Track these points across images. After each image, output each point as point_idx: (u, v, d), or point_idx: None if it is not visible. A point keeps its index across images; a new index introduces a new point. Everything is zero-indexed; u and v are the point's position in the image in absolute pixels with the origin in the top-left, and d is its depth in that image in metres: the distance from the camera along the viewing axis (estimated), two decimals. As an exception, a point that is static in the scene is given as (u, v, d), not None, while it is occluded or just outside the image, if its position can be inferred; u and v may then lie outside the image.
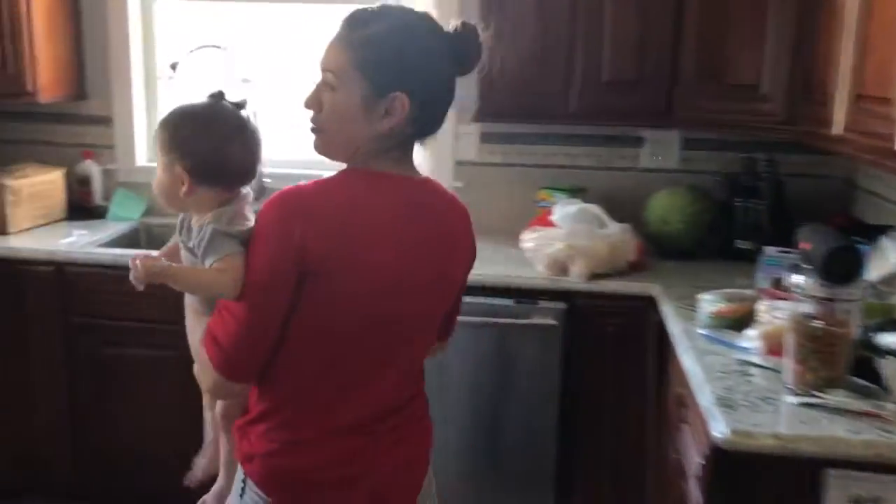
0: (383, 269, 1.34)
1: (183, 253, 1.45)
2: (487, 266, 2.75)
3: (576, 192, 3.04)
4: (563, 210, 2.78)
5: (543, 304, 2.63)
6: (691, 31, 2.76)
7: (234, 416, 1.49)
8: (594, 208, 2.82)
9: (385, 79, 1.31)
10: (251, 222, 1.38)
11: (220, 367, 1.34)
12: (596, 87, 2.84)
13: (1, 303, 2.88)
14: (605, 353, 2.67)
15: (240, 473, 1.45)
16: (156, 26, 3.43)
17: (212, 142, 1.39)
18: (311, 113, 1.38)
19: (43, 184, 3.22)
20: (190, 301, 1.48)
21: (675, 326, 2.25)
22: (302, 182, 1.34)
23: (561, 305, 2.62)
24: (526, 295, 2.66)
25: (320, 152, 1.40)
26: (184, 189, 1.39)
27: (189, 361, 1.45)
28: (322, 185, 1.34)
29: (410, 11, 1.40)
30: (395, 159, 1.39)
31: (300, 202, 1.30)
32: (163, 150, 1.41)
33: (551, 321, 2.60)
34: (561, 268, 2.66)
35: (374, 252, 1.32)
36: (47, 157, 3.43)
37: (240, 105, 1.44)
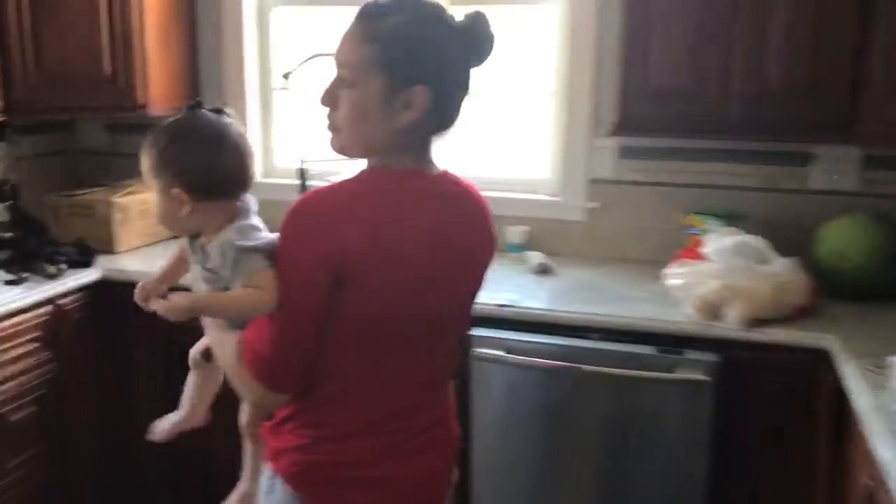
0: (416, 264, 1.32)
1: (201, 274, 1.39)
2: (623, 304, 2.39)
3: (732, 219, 2.60)
4: (719, 242, 2.36)
5: (691, 354, 2.22)
6: (884, 28, 2.26)
7: (261, 422, 1.49)
8: (756, 241, 2.38)
9: (404, 72, 1.29)
10: (265, 231, 1.37)
11: (265, 380, 1.33)
12: (760, 95, 2.40)
13: (107, 326, 2.75)
14: (765, 418, 2.24)
15: (268, 472, 1.44)
16: (272, 34, 3.26)
17: (202, 154, 1.34)
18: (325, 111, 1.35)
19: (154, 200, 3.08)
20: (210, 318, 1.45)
21: (861, 398, 1.80)
22: (321, 185, 1.33)
23: (713, 357, 2.21)
24: (670, 342, 2.26)
25: (337, 151, 1.37)
26: (186, 210, 1.35)
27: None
28: (351, 187, 1.33)
29: (425, 3, 1.34)
30: (415, 155, 1.37)
31: (334, 206, 1.29)
32: (153, 174, 1.36)
33: (700, 376, 2.19)
34: (714, 311, 2.24)
35: (406, 248, 1.31)
36: (161, 171, 3.31)
37: (219, 111, 1.39)
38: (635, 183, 2.89)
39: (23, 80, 2.82)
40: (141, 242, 3.02)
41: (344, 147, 1.36)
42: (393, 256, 1.29)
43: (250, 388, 1.36)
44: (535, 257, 2.78)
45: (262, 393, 1.35)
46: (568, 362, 2.26)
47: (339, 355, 1.34)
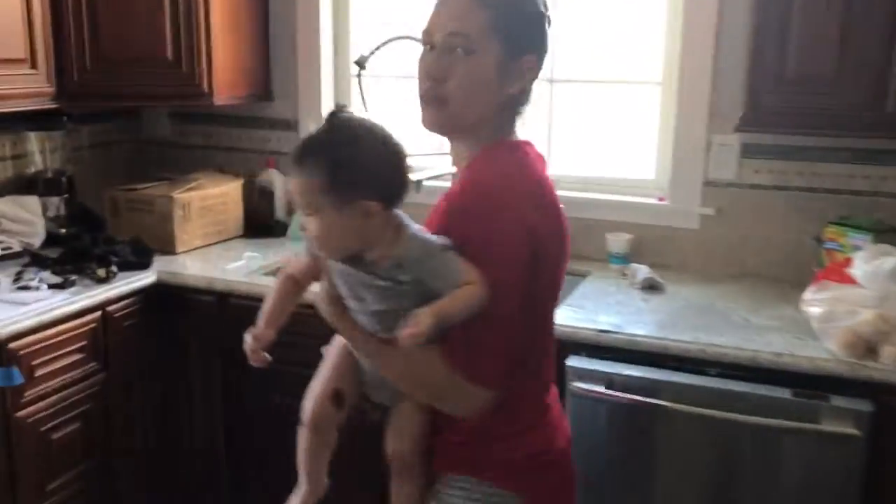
0: (566, 237, 1.36)
1: (375, 294, 1.24)
2: (747, 334, 2.02)
3: (882, 233, 2.17)
4: (871, 263, 1.94)
5: (837, 400, 1.81)
6: None
7: (423, 445, 1.34)
8: (919, 262, 1.95)
9: (518, 40, 1.28)
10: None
11: (490, 379, 1.26)
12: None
13: (162, 335, 2.52)
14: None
15: (453, 490, 1.34)
16: (351, 19, 2.97)
17: (382, 157, 1.22)
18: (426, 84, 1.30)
19: (217, 197, 2.84)
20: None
21: None
22: (486, 172, 1.29)
23: (865, 406, 1.80)
24: (810, 384, 1.85)
25: (438, 126, 1.32)
26: (375, 222, 1.21)
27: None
28: (515, 168, 1.30)
29: None
30: (512, 127, 1.36)
31: (520, 183, 1.28)
32: (325, 192, 1.19)
33: (850, 429, 1.78)
34: (866, 348, 1.84)
35: (561, 222, 1.34)
36: (228, 164, 3.08)
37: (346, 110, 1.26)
38: (759, 186, 2.48)
39: (78, 63, 2.61)
40: (202, 242, 2.78)
41: (453, 119, 1.30)
42: (558, 231, 1.32)
43: (469, 394, 1.25)
44: (641, 271, 2.40)
45: (485, 395, 1.26)
46: (681, 403, 1.88)
47: (523, 340, 1.29)
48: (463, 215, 1.24)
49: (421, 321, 1.15)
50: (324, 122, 1.21)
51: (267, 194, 3.01)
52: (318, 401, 1.35)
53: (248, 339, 1.30)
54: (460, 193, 1.28)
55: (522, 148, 1.35)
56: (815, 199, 2.42)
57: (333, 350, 1.39)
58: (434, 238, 1.23)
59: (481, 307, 1.20)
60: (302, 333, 2.49)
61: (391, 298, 1.23)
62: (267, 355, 1.29)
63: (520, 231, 1.23)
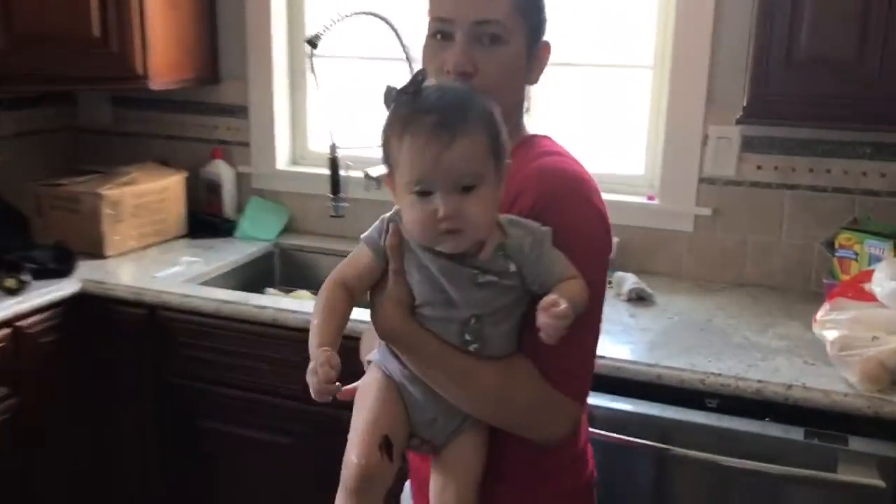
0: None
1: (472, 293, 1.05)
2: (751, 357, 1.76)
3: (905, 240, 1.90)
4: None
5: (857, 443, 1.54)
6: None
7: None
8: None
9: (537, 25, 1.18)
10: None
11: (586, 396, 1.15)
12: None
13: (85, 354, 2.21)
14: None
15: None
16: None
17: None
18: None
19: (155, 192, 2.54)
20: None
21: None
22: (551, 162, 1.15)
23: (890, 450, 1.53)
24: (826, 422, 1.58)
25: None
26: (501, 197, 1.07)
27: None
28: (573, 159, 1.18)
29: None
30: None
31: (593, 181, 1.16)
32: (494, 161, 1.03)
33: (872, 479, 1.50)
34: (892, 381, 1.56)
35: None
36: (172, 154, 2.77)
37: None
38: (762, 184, 2.20)
39: (-12, 44, 2.29)
40: (138, 244, 2.48)
41: None
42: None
43: (566, 412, 1.11)
44: (627, 280, 2.12)
45: (579, 412, 1.14)
46: (674, 445, 1.61)
47: None
48: (549, 201, 1.09)
49: (564, 310, 0.97)
50: (413, 82, 1.02)
51: (214, 188, 2.71)
52: (365, 452, 1.07)
53: (319, 372, 0.98)
54: (538, 178, 1.11)
55: (553, 141, 1.23)
56: (825, 200, 2.14)
57: (371, 387, 1.14)
58: (533, 222, 1.07)
59: (584, 308, 1.05)
60: (227, 351, 2.17)
61: (494, 298, 1.06)
62: (339, 384, 0.99)
63: (606, 225, 1.13)
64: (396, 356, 1.12)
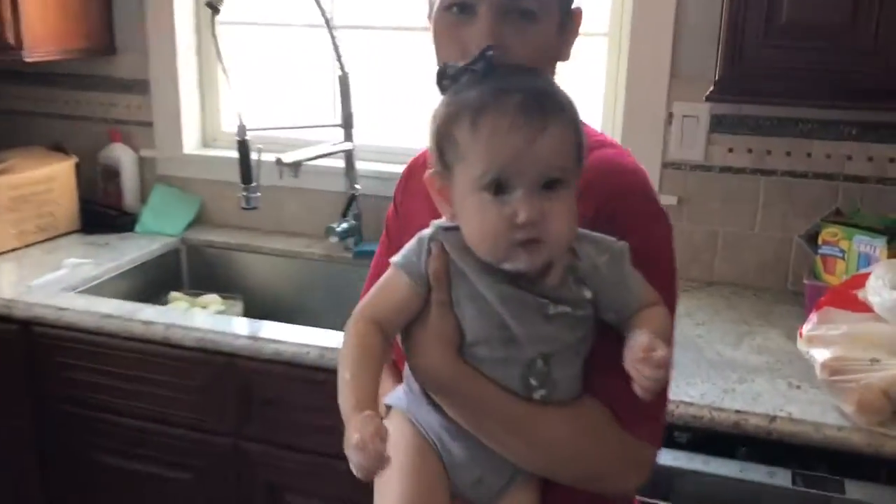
0: None
1: (540, 327, 0.85)
2: (724, 378, 1.51)
3: (899, 235, 1.65)
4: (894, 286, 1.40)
5: (855, 489, 1.29)
6: None
7: None
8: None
9: None
10: None
11: (659, 439, 0.96)
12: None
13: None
14: None
15: None
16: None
17: None
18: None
19: (39, 182, 2.20)
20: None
21: None
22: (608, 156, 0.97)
23: (892, 494, 1.28)
24: (816, 463, 1.33)
25: None
26: None
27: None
28: (619, 145, 1.03)
29: None
30: None
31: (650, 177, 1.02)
32: (580, 161, 0.86)
33: (874, 533, 1.26)
34: (892, 411, 1.31)
35: None
36: (62, 137, 2.42)
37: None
38: (733, 169, 1.94)
39: None
40: (19, 243, 2.15)
41: None
42: None
43: (642, 459, 0.95)
44: (581, 283, 1.84)
45: (654, 457, 0.96)
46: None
47: None
48: (619, 207, 0.92)
49: (664, 356, 0.80)
50: (482, 57, 0.85)
51: (112, 176, 2.37)
52: None
53: (370, 447, 0.75)
54: (600, 178, 0.92)
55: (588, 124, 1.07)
56: (805, 187, 1.89)
57: (400, 449, 0.90)
58: (608, 237, 0.89)
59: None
60: (114, 374, 1.87)
61: (565, 333, 0.89)
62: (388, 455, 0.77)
63: (672, 239, 0.97)
64: (436, 405, 0.91)
